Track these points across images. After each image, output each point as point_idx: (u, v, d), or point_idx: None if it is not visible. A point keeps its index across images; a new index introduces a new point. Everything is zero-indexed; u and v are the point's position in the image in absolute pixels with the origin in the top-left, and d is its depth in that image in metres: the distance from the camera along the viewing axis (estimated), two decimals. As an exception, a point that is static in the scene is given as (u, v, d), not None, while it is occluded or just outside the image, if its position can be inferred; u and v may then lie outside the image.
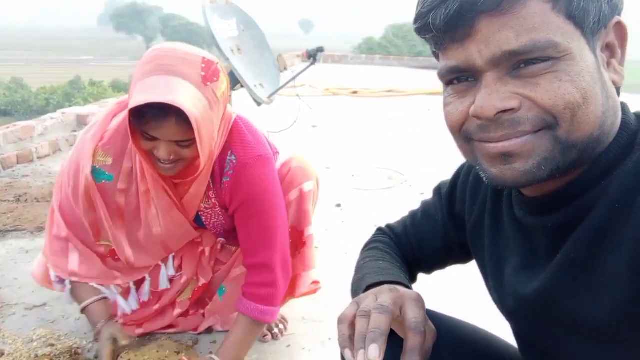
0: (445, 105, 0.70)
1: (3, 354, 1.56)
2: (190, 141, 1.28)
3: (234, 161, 1.44)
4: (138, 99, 1.18)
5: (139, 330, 1.68)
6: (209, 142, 1.30)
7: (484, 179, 0.68)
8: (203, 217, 1.55)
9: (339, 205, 2.99)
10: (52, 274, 1.56)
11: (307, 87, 6.63)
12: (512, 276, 0.75)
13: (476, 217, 0.86)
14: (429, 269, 1.02)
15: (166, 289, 1.65)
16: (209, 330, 1.74)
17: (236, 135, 1.45)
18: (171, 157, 1.30)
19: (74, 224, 1.52)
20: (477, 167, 0.68)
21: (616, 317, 0.60)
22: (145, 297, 1.65)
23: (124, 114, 1.42)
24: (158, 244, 1.54)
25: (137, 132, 1.28)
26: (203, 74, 1.24)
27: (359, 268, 0.95)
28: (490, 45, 0.61)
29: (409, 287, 0.80)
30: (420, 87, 7.54)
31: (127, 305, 1.62)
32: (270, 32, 4.02)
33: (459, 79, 0.67)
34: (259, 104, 3.18)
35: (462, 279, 1.66)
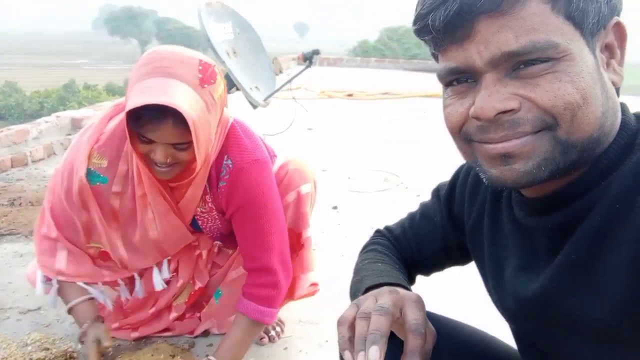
0: (445, 106, 0.69)
1: (-3, 359, 1.55)
2: (187, 144, 1.27)
3: (231, 165, 1.43)
4: (135, 101, 1.17)
5: (135, 334, 1.68)
6: (205, 144, 1.29)
7: (484, 180, 0.68)
8: (199, 221, 1.55)
9: (335, 208, 2.99)
10: (39, 274, 1.54)
11: (302, 90, 6.63)
12: (512, 277, 0.75)
13: (475, 218, 0.86)
14: (427, 271, 1.02)
15: (162, 292, 1.65)
16: (205, 333, 1.73)
17: (233, 140, 1.44)
18: (168, 160, 1.29)
19: (65, 225, 1.50)
20: (477, 168, 0.68)
21: (616, 318, 0.60)
22: (140, 295, 1.64)
23: (121, 116, 1.41)
24: (154, 248, 1.53)
25: (134, 135, 1.27)
26: (200, 76, 1.24)
27: (357, 270, 0.95)
28: (490, 46, 0.61)
29: (408, 289, 0.80)
30: (415, 89, 7.55)
31: (106, 299, 1.58)
32: (265, 35, 4.02)
33: (459, 80, 0.67)
34: (254, 106, 3.18)
35: (461, 280, 1.66)
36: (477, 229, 0.85)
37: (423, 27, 0.65)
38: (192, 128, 1.19)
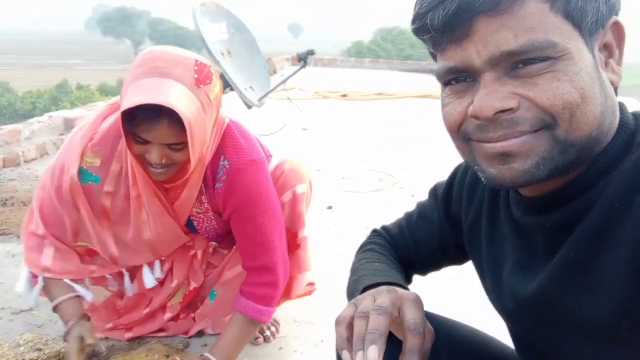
0: (444, 105, 0.69)
1: (-11, 360, 1.54)
2: (182, 144, 1.27)
3: (227, 166, 1.43)
4: (130, 100, 1.16)
5: (129, 334, 1.67)
6: (200, 145, 1.29)
7: (482, 179, 0.68)
8: (195, 222, 1.54)
9: (330, 208, 2.99)
10: (25, 271, 1.52)
11: (296, 90, 6.63)
12: (510, 276, 0.75)
13: (473, 217, 0.86)
14: (424, 271, 1.02)
15: (157, 293, 1.64)
16: (200, 333, 1.72)
17: (229, 140, 1.44)
18: (163, 161, 1.28)
19: (53, 223, 1.48)
20: (476, 167, 0.68)
21: (615, 317, 0.60)
22: (129, 292, 1.63)
23: (116, 115, 1.40)
24: (146, 248, 1.52)
25: (129, 135, 1.26)
26: (196, 76, 1.23)
27: (354, 270, 0.94)
28: (489, 46, 0.61)
29: (406, 289, 0.80)
30: (409, 90, 7.57)
31: (87, 294, 1.57)
32: (258, 35, 4.02)
33: (457, 79, 0.67)
34: (249, 106, 3.18)
35: (459, 280, 1.66)
36: (474, 228, 0.85)
37: (422, 26, 0.65)
38: (187, 128, 1.19)
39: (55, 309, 1.51)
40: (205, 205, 1.49)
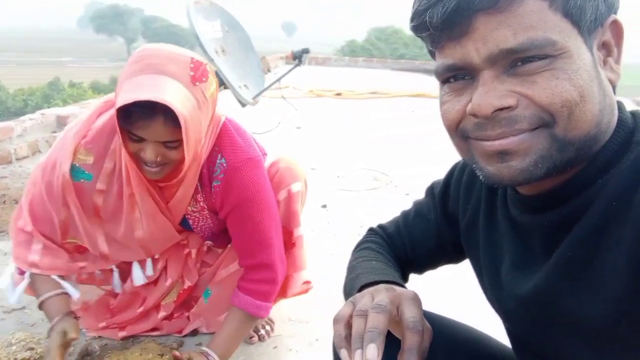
0: (442, 103, 0.69)
1: (-19, 359, 1.52)
2: (177, 142, 1.26)
3: (224, 164, 1.42)
4: (125, 97, 1.15)
5: (122, 333, 1.66)
6: (195, 143, 1.28)
7: (481, 177, 0.68)
8: (190, 220, 1.53)
9: (324, 206, 2.99)
10: (12, 267, 1.50)
11: (290, 88, 6.62)
12: (508, 275, 0.75)
13: (470, 215, 0.86)
14: (421, 269, 1.02)
15: (151, 291, 1.63)
16: (194, 332, 1.72)
17: (226, 138, 1.43)
18: (158, 159, 1.27)
19: (42, 220, 1.46)
20: (474, 165, 0.68)
21: (613, 317, 0.60)
22: (118, 289, 1.62)
23: (110, 112, 1.39)
24: (138, 246, 1.51)
25: (124, 132, 1.25)
26: (192, 73, 1.23)
27: (351, 268, 0.94)
28: (488, 43, 0.61)
29: (404, 287, 0.80)
30: (403, 89, 7.57)
31: (74, 292, 1.54)
32: (252, 34, 4.00)
33: (456, 77, 0.67)
34: (243, 105, 3.17)
35: (455, 279, 1.66)
36: (472, 226, 0.85)
37: (420, 23, 0.65)
38: (182, 125, 1.18)
39: (40, 305, 1.48)
40: (201, 203, 1.49)
